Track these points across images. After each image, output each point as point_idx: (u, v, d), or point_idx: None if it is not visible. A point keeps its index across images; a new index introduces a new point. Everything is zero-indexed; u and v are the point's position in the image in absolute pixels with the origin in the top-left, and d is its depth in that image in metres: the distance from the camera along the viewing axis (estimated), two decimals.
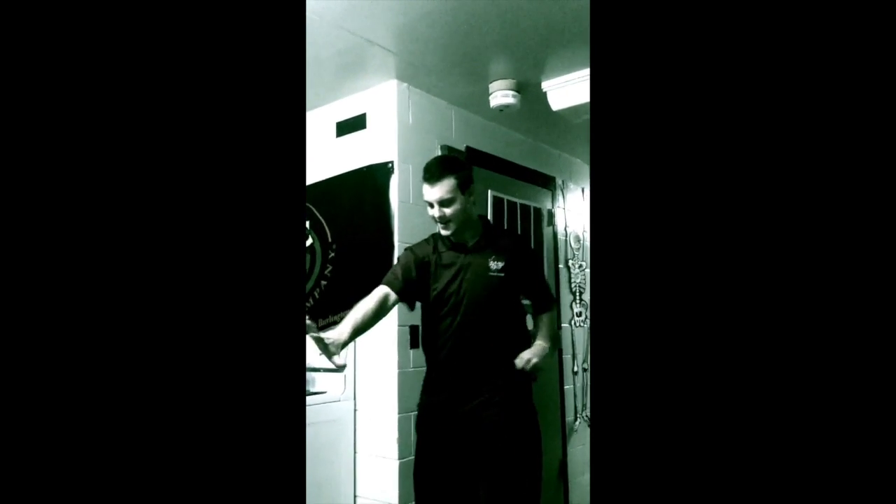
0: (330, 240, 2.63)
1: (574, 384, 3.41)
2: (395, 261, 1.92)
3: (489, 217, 2.81)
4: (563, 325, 3.36)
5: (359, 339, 1.96)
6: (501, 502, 1.74)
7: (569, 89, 2.49)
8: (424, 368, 1.92)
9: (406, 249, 1.93)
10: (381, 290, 1.77)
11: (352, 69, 2.39)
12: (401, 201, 2.45)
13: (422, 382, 1.92)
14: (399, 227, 2.43)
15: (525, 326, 1.93)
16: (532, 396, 1.87)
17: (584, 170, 3.71)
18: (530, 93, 2.57)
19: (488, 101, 2.56)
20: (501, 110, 2.58)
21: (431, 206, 1.78)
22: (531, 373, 1.69)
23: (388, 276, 1.83)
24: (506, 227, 2.92)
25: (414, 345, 2.37)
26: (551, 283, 3.30)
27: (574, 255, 3.53)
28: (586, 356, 3.48)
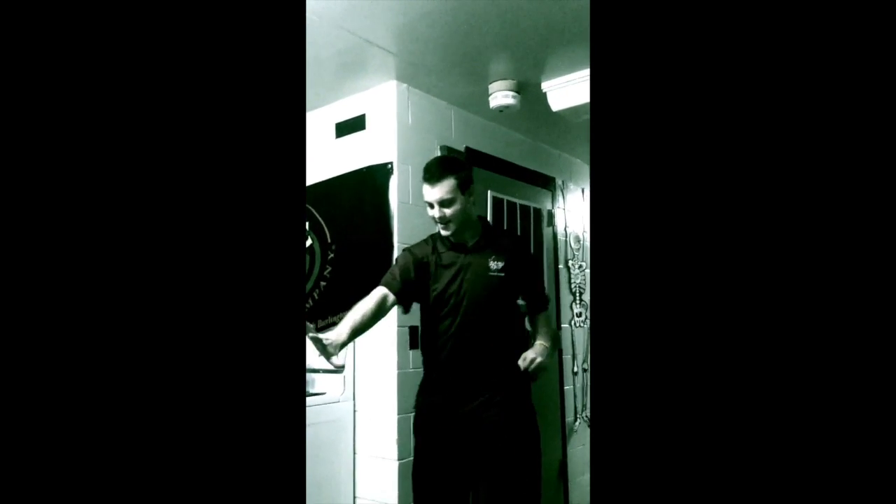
0: (329, 241, 2.63)
1: (574, 384, 3.41)
2: (394, 262, 1.92)
3: (489, 217, 2.82)
4: (563, 325, 3.36)
5: (358, 340, 1.96)
6: (501, 503, 1.74)
7: (568, 90, 2.49)
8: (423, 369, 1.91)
9: (404, 250, 1.93)
10: (380, 292, 1.77)
11: (351, 70, 2.39)
12: (400, 202, 2.45)
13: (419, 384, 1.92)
14: (398, 228, 2.43)
15: (523, 326, 1.93)
16: (531, 396, 1.87)
17: (584, 170, 3.71)
18: (530, 93, 2.57)
19: (488, 102, 2.56)
20: (501, 111, 2.58)
21: (431, 206, 1.78)
22: (534, 373, 1.68)
23: (387, 276, 1.83)
24: (506, 228, 2.92)
25: (413, 345, 2.37)
26: (551, 283, 3.30)
27: (574, 255, 3.53)
28: (586, 357, 3.48)
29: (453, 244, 1.84)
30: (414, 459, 1.87)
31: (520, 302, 1.93)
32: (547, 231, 3.33)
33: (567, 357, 3.38)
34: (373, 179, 2.50)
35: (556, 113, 2.59)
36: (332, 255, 2.61)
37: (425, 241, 1.91)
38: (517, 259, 1.87)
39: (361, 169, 2.55)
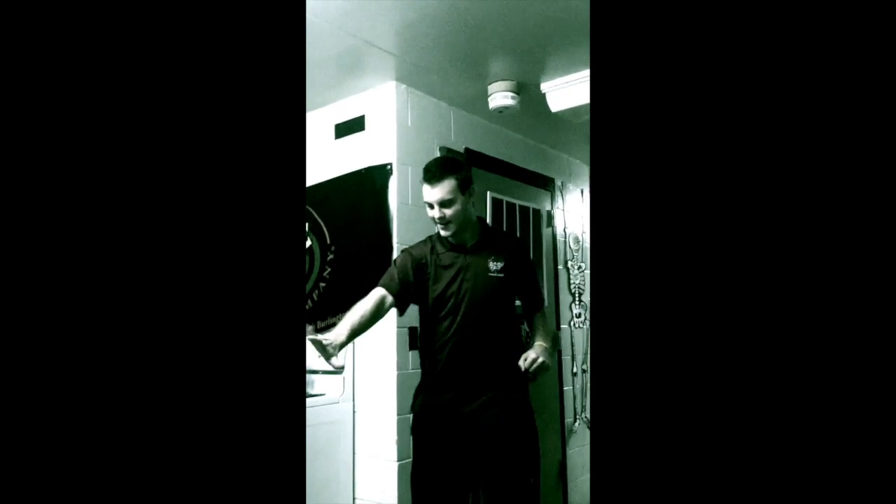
0: (328, 242, 2.63)
1: (573, 385, 3.41)
2: (393, 263, 1.92)
3: (488, 218, 2.82)
4: (562, 326, 3.36)
5: (358, 341, 1.96)
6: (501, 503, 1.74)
7: (568, 90, 2.49)
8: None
9: (403, 251, 1.93)
10: (378, 293, 1.77)
11: (350, 70, 2.39)
12: (400, 203, 2.45)
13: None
14: (398, 229, 2.42)
15: (518, 326, 1.93)
16: (529, 396, 1.87)
17: (584, 171, 3.71)
18: (529, 94, 2.57)
19: (487, 103, 2.56)
20: (501, 112, 2.58)
21: (431, 206, 1.78)
22: (534, 373, 1.68)
23: (385, 278, 1.83)
24: (505, 229, 2.92)
25: (413, 346, 2.37)
26: (550, 284, 3.30)
27: (573, 256, 3.53)
28: (585, 357, 3.48)
29: (453, 245, 1.84)
30: (413, 461, 1.87)
31: (516, 303, 1.94)
32: (546, 232, 3.33)
33: (566, 358, 3.38)
34: (372, 180, 2.50)
35: (555, 114, 2.59)
36: (331, 256, 2.61)
37: (424, 241, 1.91)
38: (516, 260, 1.87)
39: (361, 170, 2.55)
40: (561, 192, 3.47)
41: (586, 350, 3.49)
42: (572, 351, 3.43)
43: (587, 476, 3.31)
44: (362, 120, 2.59)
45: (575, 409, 3.39)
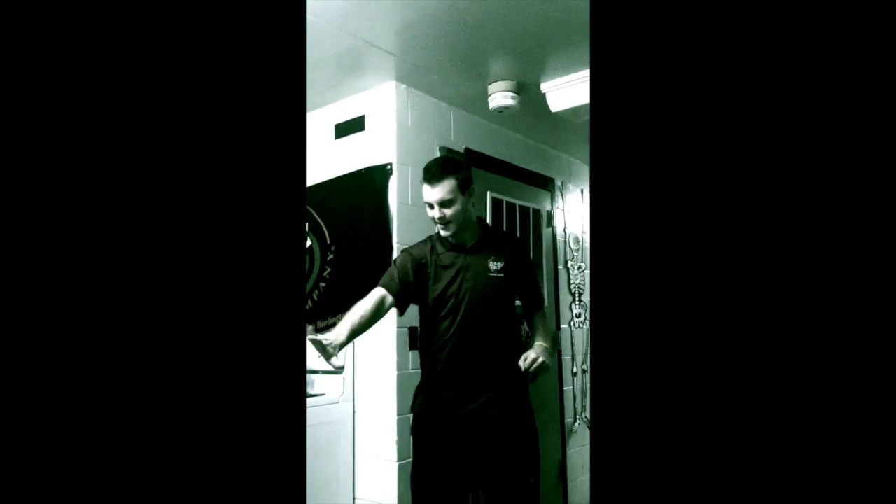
0: (328, 242, 2.63)
1: (573, 385, 3.41)
2: (393, 263, 1.92)
3: (488, 218, 2.82)
4: (562, 326, 3.36)
5: (358, 341, 1.96)
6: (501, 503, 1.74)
7: (567, 90, 2.49)
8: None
9: (403, 251, 1.93)
10: (378, 293, 1.77)
11: (350, 70, 2.39)
12: (400, 203, 2.45)
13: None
14: (398, 229, 2.43)
15: (518, 326, 1.93)
16: (529, 396, 1.87)
17: (583, 171, 3.71)
18: (529, 94, 2.57)
19: (487, 103, 2.56)
20: (500, 112, 2.58)
21: (431, 206, 1.78)
22: (535, 373, 1.68)
23: (385, 278, 1.83)
24: (505, 229, 2.92)
25: (413, 346, 2.37)
26: (550, 284, 3.30)
27: (573, 256, 3.53)
28: (585, 358, 3.48)
29: (453, 245, 1.84)
30: (413, 461, 1.87)
31: (516, 303, 1.94)
32: (546, 232, 3.33)
33: (566, 358, 3.38)
34: (372, 180, 2.50)
35: (555, 114, 2.59)
36: (331, 257, 2.61)
37: (424, 241, 1.91)
38: (516, 260, 1.87)
39: (361, 170, 2.55)
40: (561, 192, 3.47)
41: (586, 350, 3.49)
42: (572, 351, 3.43)
43: (587, 476, 3.31)
44: (362, 120, 2.59)
45: (575, 409, 3.39)
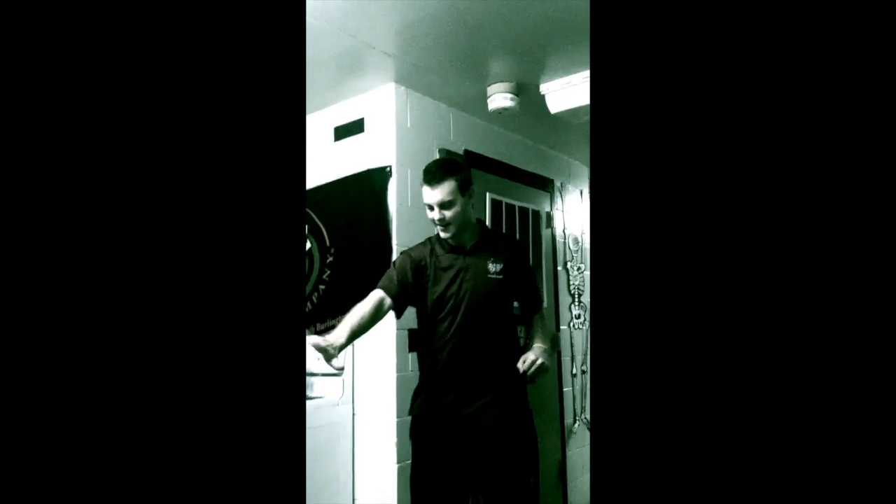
0: (328, 244, 2.63)
1: (573, 386, 3.41)
2: (392, 265, 1.92)
3: (488, 220, 2.82)
4: (561, 327, 3.36)
5: (357, 343, 1.95)
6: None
7: (567, 92, 2.49)
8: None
9: (402, 253, 1.93)
10: (377, 295, 1.77)
11: (349, 72, 2.39)
12: (399, 205, 2.45)
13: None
14: (397, 231, 2.43)
15: (516, 328, 1.93)
16: (527, 397, 1.87)
17: (583, 172, 3.72)
18: (528, 95, 2.57)
19: (487, 104, 2.56)
20: (500, 113, 2.58)
21: (431, 208, 1.78)
22: (534, 375, 1.67)
23: (384, 280, 1.82)
24: (504, 230, 2.92)
25: (413, 348, 2.37)
26: (550, 285, 3.30)
27: (572, 257, 3.53)
28: (585, 358, 3.48)
29: (452, 247, 1.84)
30: (412, 463, 1.87)
31: (515, 304, 1.94)
32: (545, 233, 3.33)
33: (566, 359, 3.38)
34: (371, 183, 2.50)
35: (554, 115, 2.59)
36: (330, 259, 2.61)
37: (423, 243, 1.91)
38: (515, 261, 1.87)
39: (360, 172, 2.55)
40: (560, 193, 3.47)
41: (586, 351, 3.49)
42: (572, 352, 3.43)
43: (587, 477, 3.31)
44: (361, 122, 2.59)
45: (574, 409, 3.39)
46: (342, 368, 1.61)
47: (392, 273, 1.83)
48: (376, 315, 1.74)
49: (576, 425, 3.38)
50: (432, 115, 2.66)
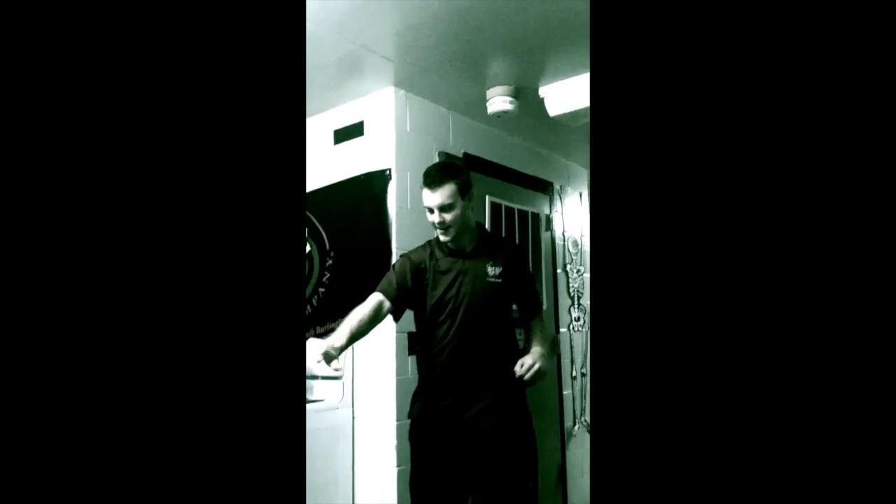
0: (328, 247, 2.63)
1: (573, 389, 3.41)
2: (391, 268, 1.92)
3: (487, 223, 2.82)
4: (561, 329, 3.36)
5: (357, 346, 1.96)
6: None
7: (565, 94, 2.50)
8: None
9: (402, 256, 1.93)
10: (376, 298, 1.77)
11: (349, 76, 2.39)
12: (399, 208, 2.45)
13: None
14: (397, 234, 2.43)
15: (515, 331, 1.93)
16: (526, 400, 1.87)
17: (582, 174, 3.72)
18: (527, 98, 2.58)
19: (486, 108, 2.57)
20: (499, 116, 2.59)
21: (431, 211, 1.78)
22: (533, 379, 1.68)
23: (383, 283, 1.82)
24: (504, 233, 2.92)
25: (412, 351, 2.37)
26: (549, 287, 3.30)
27: (572, 259, 3.53)
28: (585, 361, 3.48)
29: (451, 250, 1.84)
30: (411, 467, 1.86)
31: (513, 308, 1.94)
32: (545, 235, 3.33)
33: (566, 361, 3.38)
34: (371, 186, 2.50)
35: (553, 118, 2.59)
36: (330, 262, 2.61)
37: (423, 246, 1.91)
38: (514, 265, 1.88)
39: (360, 175, 2.56)
40: (559, 196, 3.47)
41: (585, 353, 3.49)
42: (571, 354, 3.43)
43: (587, 479, 3.30)
44: (361, 125, 2.59)
45: (574, 412, 3.39)
46: (342, 370, 1.61)
47: (391, 276, 1.83)
48: (375, 318, 1.74)
49: (575, 428, 3.37)
50: (432, 119, 2.66)
